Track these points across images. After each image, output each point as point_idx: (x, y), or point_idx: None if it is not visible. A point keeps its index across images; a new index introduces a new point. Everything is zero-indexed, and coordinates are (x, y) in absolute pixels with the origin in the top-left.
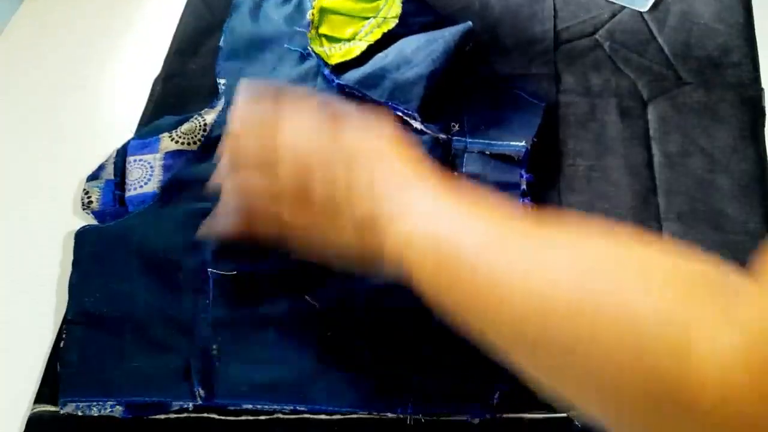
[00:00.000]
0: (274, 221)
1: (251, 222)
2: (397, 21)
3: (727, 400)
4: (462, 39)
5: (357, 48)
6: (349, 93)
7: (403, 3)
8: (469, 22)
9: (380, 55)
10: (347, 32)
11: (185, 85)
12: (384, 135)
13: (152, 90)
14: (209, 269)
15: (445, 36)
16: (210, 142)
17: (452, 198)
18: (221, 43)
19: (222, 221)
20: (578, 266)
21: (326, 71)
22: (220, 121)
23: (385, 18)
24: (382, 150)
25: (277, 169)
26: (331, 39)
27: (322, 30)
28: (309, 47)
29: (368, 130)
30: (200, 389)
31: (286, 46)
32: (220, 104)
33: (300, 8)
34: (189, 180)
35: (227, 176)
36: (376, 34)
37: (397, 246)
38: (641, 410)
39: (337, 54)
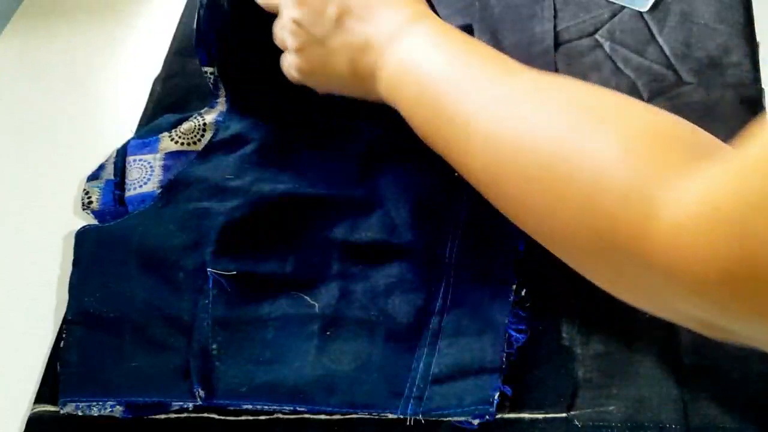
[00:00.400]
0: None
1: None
2: None
3: (682, 258)
4: None
5: None
6: None
7: None
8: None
9: None
10: None
11: (185, 84)
12: None
13: (152, 90)
14: (209, 269)
15: None
16: (213, 145)
17: (444, 32)
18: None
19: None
20: (544, 106)
21: None
22: (222, 123)
23: None
24: None
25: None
26: None
27: None
28: None
29: None
30: (200, 389)
31: None
32: (220, 104)
33: None
34: (190, 181)
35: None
36: None
37: (387, 75)
38: (592, 255)
39: None
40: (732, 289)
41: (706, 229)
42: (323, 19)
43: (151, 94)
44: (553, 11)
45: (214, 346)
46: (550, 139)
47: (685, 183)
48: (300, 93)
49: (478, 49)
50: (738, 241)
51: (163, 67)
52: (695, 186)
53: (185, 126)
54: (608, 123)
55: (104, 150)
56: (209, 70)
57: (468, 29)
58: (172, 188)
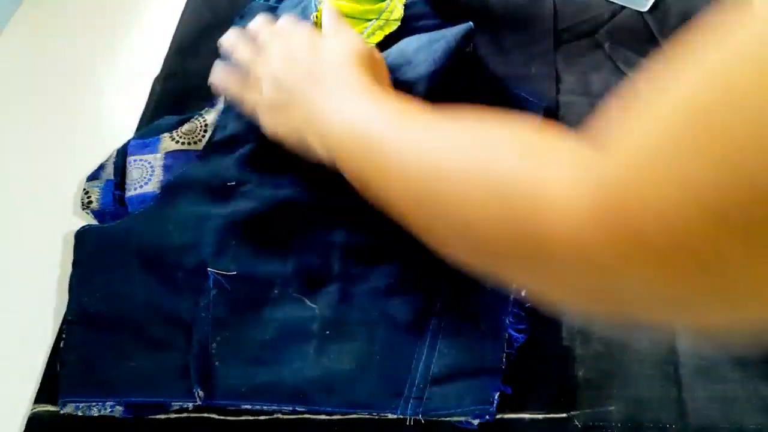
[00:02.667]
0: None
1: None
2: (399, 23)
3: (579, 245)
4: (463, 39)
5: None
6: None
7: (407, 7)
8: (470, 23)
9: (381, 54)
10: None
11: (185, 84)
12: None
13: (152, 89)
14: (209, 269)
15: (447, 36)
16: (211, 146)
17: (377, 96)
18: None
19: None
20: (451, 137)
21: None
22: (222, 124)
23: (387, 20)
24: (342, 64)
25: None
26: None
27: None
28: None
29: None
30: (199, 389)
31: None
32: (221, 104)
33: (306, 12)
34: (190, 183)
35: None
36: (378, 36)
37: (326, 135)
38: (502, 250)
39: None
40: (607, 243)
41: (593, 220)
42: (297, 80)
43: (150, 94)
44: (553, 11)
45: (214, 346)
46: (457, 159)
47: (574, 180)
48: None
49: (402, 104)
50: (614, 211)
51: (163, 66)
52: (583, 182)
53: (186, 127)
54: (508, 141)
55: (104, 150)
56: None
57: (470, 30)
58: (171, 190)
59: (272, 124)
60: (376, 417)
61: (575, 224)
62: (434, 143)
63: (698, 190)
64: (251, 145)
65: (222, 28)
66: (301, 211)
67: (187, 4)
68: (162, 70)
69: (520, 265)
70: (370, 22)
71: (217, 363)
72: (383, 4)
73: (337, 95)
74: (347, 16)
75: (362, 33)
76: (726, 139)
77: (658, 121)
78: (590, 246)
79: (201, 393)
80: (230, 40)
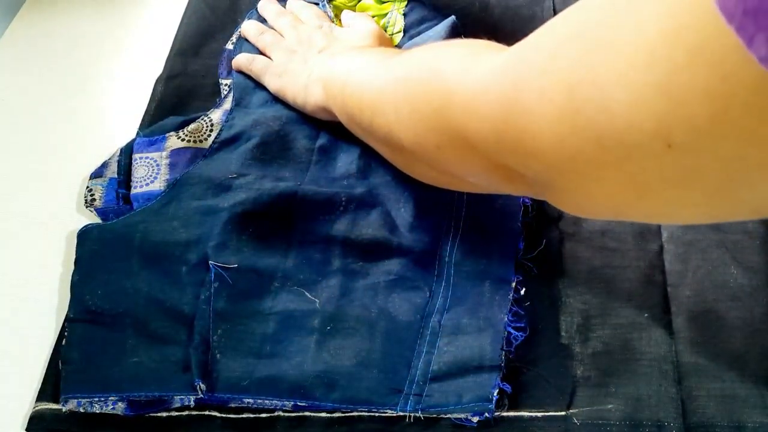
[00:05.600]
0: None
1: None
2: (402, 35)
3: (479, 100)
4: (451, 33)
5: None
6: None
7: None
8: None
9: None
10: None
11: (187, 85)
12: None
13: (154, 90)
14: (211, 261)
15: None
16: (217, 144)
17: (366, 51)
18: (230, 46)
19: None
20: (406, 62)
21: None
22: (228, 123)
23: (391, 34)
24: (355, 43)
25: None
26: None
27: None
28: None
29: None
30: (200, 383)
31: None
32: (227, 103)
33: None
34: (194, 180)
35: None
36: None
37: (320, 85)
38: (429, 121)
39: None
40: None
41: (492, 89)
42: (311, 49)
43: (152, 94)
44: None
45: (215, 338)
46: (411, 72)
47: (473, 69)
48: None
49: (376, 51)
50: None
51: (165, 67)
52: (480, 68)
53: (192, 126)
54: (442, 53)
55: (107, 148)
56: (226, 82)
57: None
58: (176, 187)
59: (279, 85)
60: (376, 414)
61: (478, 91)
62: (385, 69)
63: (547, 109)
64: (255, 140)
65: (223, 29)
66: (303, 204)
67: (188, 5)
68: (164, 71)
69: (438, 126)
70: None
71: (218, 355)
72: (385, 20)
73: (342, 54)
74: None
75: None
76: (572, 72)
77: (537, 36)
78: (490, 103)
79: (203, 386)
80: (250, 27)
